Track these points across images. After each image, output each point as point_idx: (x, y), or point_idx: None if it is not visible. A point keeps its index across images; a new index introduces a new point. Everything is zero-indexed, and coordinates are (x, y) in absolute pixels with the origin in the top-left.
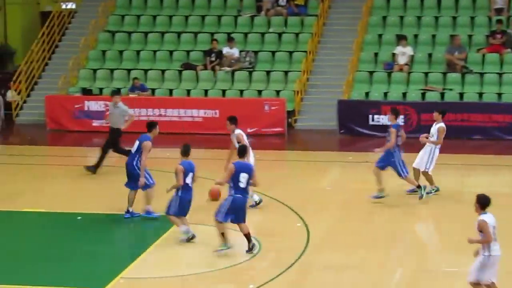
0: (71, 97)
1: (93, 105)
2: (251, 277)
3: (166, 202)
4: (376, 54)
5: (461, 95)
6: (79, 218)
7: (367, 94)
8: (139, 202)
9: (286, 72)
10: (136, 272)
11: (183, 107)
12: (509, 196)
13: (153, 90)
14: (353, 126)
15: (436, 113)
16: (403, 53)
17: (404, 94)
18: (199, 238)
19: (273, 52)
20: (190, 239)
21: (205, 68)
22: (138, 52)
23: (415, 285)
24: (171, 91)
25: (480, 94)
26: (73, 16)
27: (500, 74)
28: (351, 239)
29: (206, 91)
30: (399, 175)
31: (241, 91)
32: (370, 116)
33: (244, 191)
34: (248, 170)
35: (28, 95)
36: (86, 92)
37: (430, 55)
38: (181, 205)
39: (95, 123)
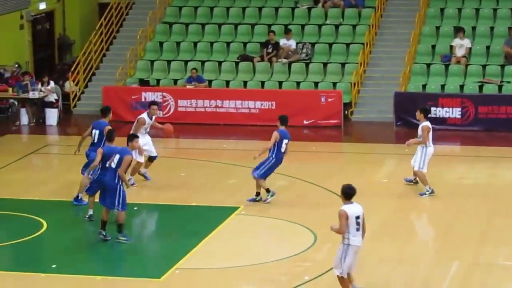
0: (128, 88)
1: (150, 96)
2: (305, 269)
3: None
4: (433, 46)
5: None
6: (135, 208)
7: (424, 86)
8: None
9: (343, 64)
10: (192, 263)
11: (239, 99)
12: None
13: (210, 82)
14: (410, 118)
15: (418, 112)
16: (461, 45)
17: (462, 87)
18: (257, 231)
19: (330, 44)
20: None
21: (262, 59)
22: (195, 43)
23: (470, 279)
24: (227, 82)
25: None
26: (130, 8)
27: None
28: (406, 231)
29: (262, 83)
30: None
31: (298, 83)
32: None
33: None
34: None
35: (86, 86)
36: (144, 83)
37: (488, 47)
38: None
39: None
